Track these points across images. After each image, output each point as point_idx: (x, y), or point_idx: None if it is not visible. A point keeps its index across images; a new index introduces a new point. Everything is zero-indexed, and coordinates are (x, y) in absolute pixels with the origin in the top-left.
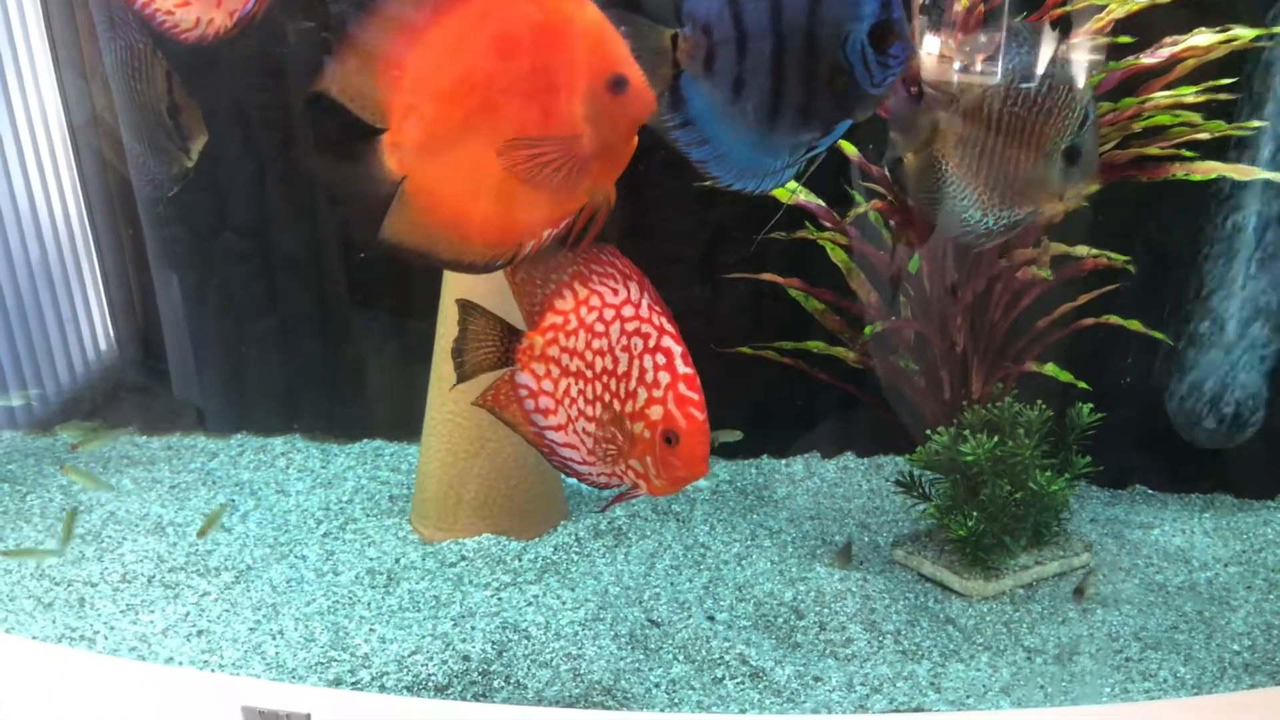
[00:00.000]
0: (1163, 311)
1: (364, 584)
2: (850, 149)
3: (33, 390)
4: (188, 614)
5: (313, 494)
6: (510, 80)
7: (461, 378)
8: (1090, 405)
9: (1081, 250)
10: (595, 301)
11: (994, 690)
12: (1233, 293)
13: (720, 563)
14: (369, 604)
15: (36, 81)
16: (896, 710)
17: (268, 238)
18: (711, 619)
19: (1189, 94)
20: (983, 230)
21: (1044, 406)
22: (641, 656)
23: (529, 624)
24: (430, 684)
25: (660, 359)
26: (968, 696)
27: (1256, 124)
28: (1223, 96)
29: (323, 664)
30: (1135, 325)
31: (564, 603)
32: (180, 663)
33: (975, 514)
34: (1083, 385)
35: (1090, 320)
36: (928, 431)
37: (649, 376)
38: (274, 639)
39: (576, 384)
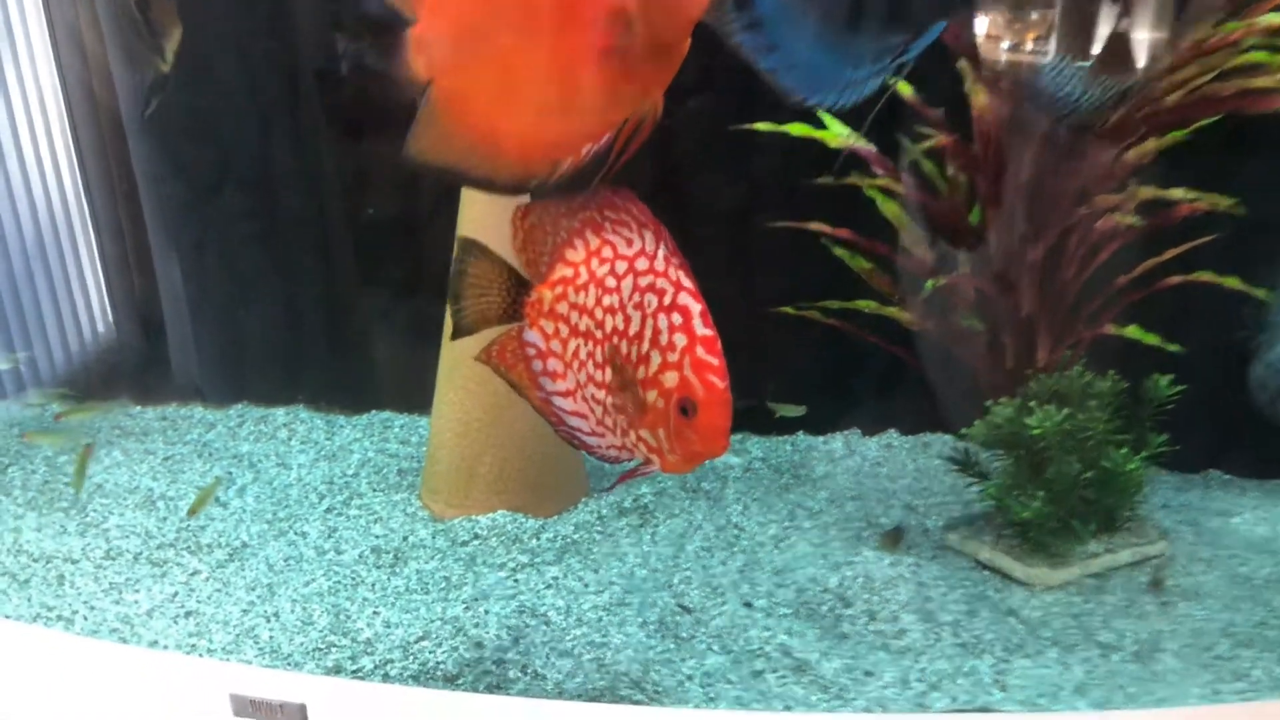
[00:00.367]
0: (1256, 270)
1: (368, 563)
2: (905, 88)
3: (21, 353)
4: (175, 594)
5: (316, 467)
6: None
7: (461, 330)
8: (1170, 376)
9: (1177, 194)
10: (607, 253)
11: (1067, 690)
12: None
13: (756, 545)
14: (373, 585)
15: (32, 55)
16: (960, 710)
17: (269, 191)
18: (749, 606)
19: None
20: (1090, 102)
21: (1116, 377)
22: (672, 646)
23: (548, 608)
24: (439, 673)
25: (676, 318)
26: (1039, 696)
27: None
28: None
29: (321, 650)
30: (1233, 283)
31: (586, 586)
32: (165, 646)
33: (1040, 494)
34: (1174, 348)
35: (1178, 278)
36: (988, 403)
37: (663, 338)
38: (268, 622)
39: (586, 345)
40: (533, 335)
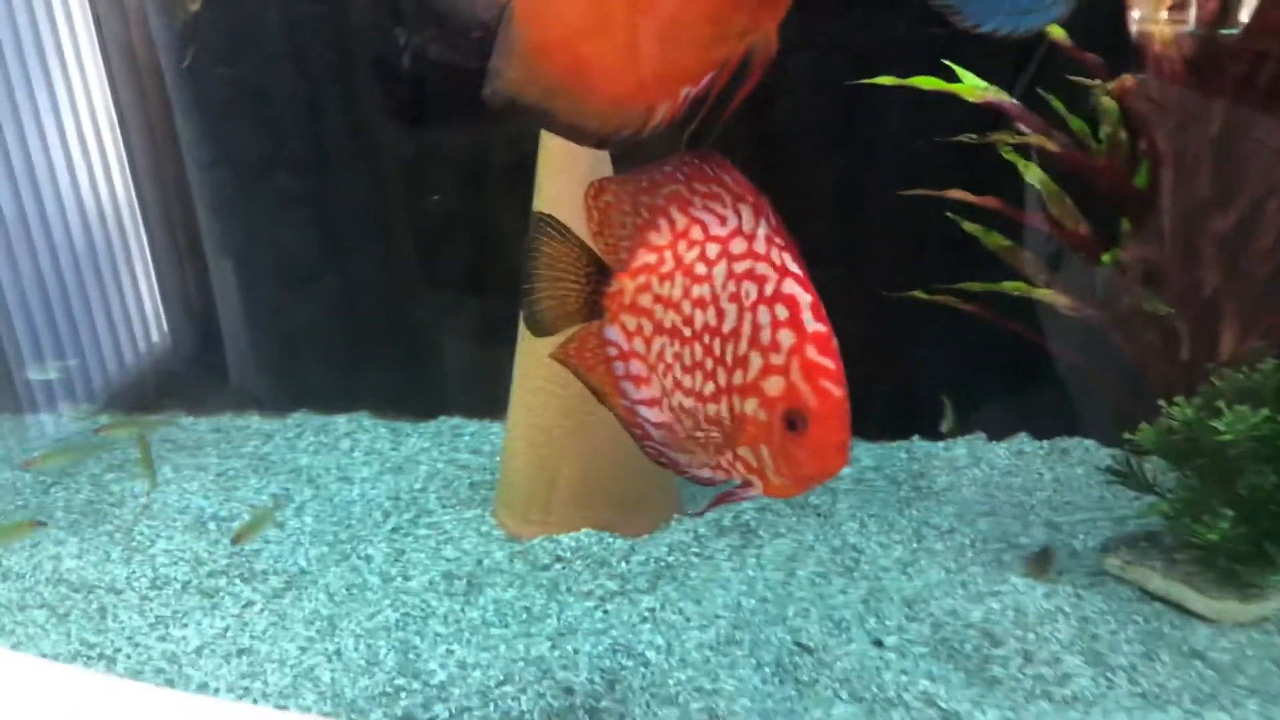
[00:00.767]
0: None
1: (439, 591)
2: (1059, 32)
3: (70, 360)
4: (227, 628)
5: (380, 481)
6: None
7: (536, 324)
8: None
9: None
10: (697, 234)
11: None
12: None
13: (879, 570)
14: (445, 617)
15: (81, 67)
16: None
17: (327, 177)
18: (879, 644)
19: None
20: None
21: None
22: (793, 693)
23: (645, 646)
24: None
25: (781, 312)
26: None
27: None
28: None
29: (389, 695)
30: None
31: (688, 619)
32: (216, 689)
33: (1229, 513)
34: None
35: None
36: (1161, 403)
37: (765, 336)
38: (330, 661)
39: (672, 345)
40: (614, 333)
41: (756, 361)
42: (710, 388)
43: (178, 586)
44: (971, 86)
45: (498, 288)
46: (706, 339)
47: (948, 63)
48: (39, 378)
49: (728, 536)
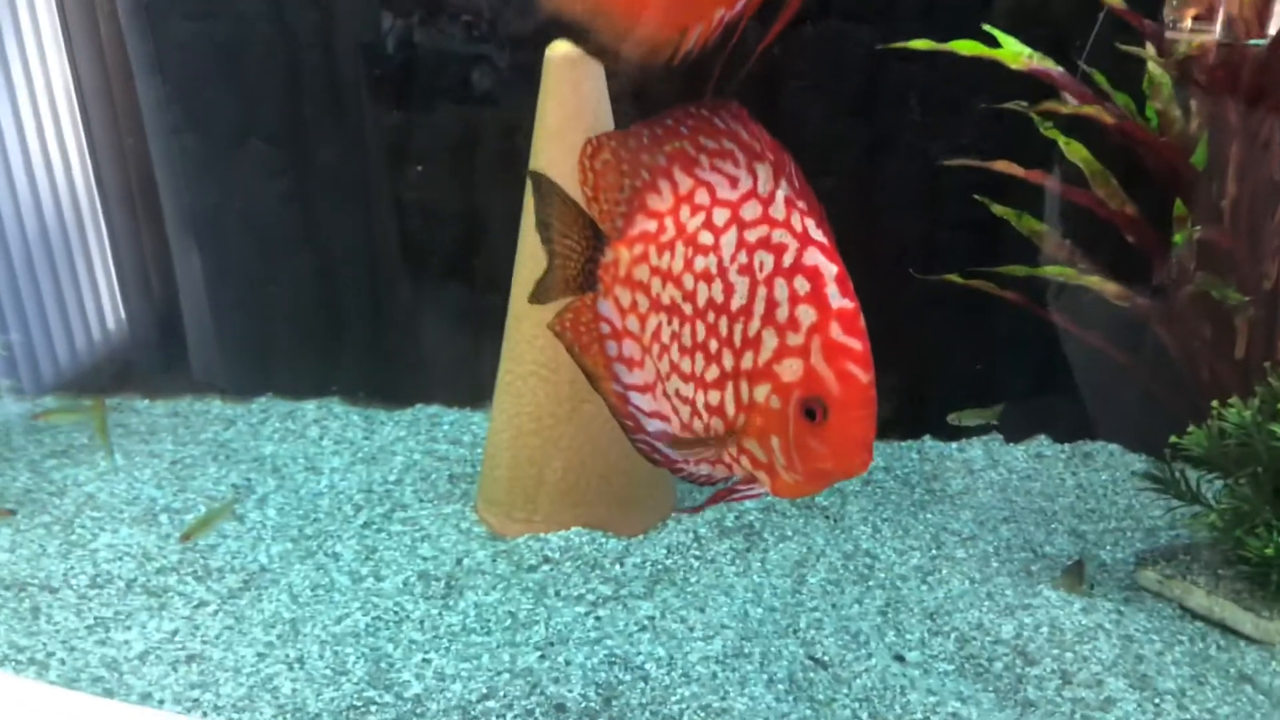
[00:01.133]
0: None
1: (415, 593)
2: None
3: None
4: (176, 632)
5: (351, 472)
6: None
7: (538, 294)
8: None
9: None
10: (702, 197)
11: None
12: None
13: (897, 579)
14: (421, 622)
15: (40, 46)
16: None
17: (297, 146)
18: (900, 659)
19: None
20: None
21: None
22: (809, 712)
23: (644, 658)
24: None
25: (802, 285)
26: None
27: None
28: None
29: (357, 708)
30: None
31: (691, 629)
32: (160, 700)
33: None
34: None
35: None
36: (1214, 405)
37: (782, 312)
38: (291, 669)
39: (670, 323)
40: (606, 308)
41: (771, 342)
42: (714, 372)
43: (121, 585)
44: (1013, 53)
45: (482, 267)
46: (711, 317)
47: (988, 28)
48: None
49: (730, 538)
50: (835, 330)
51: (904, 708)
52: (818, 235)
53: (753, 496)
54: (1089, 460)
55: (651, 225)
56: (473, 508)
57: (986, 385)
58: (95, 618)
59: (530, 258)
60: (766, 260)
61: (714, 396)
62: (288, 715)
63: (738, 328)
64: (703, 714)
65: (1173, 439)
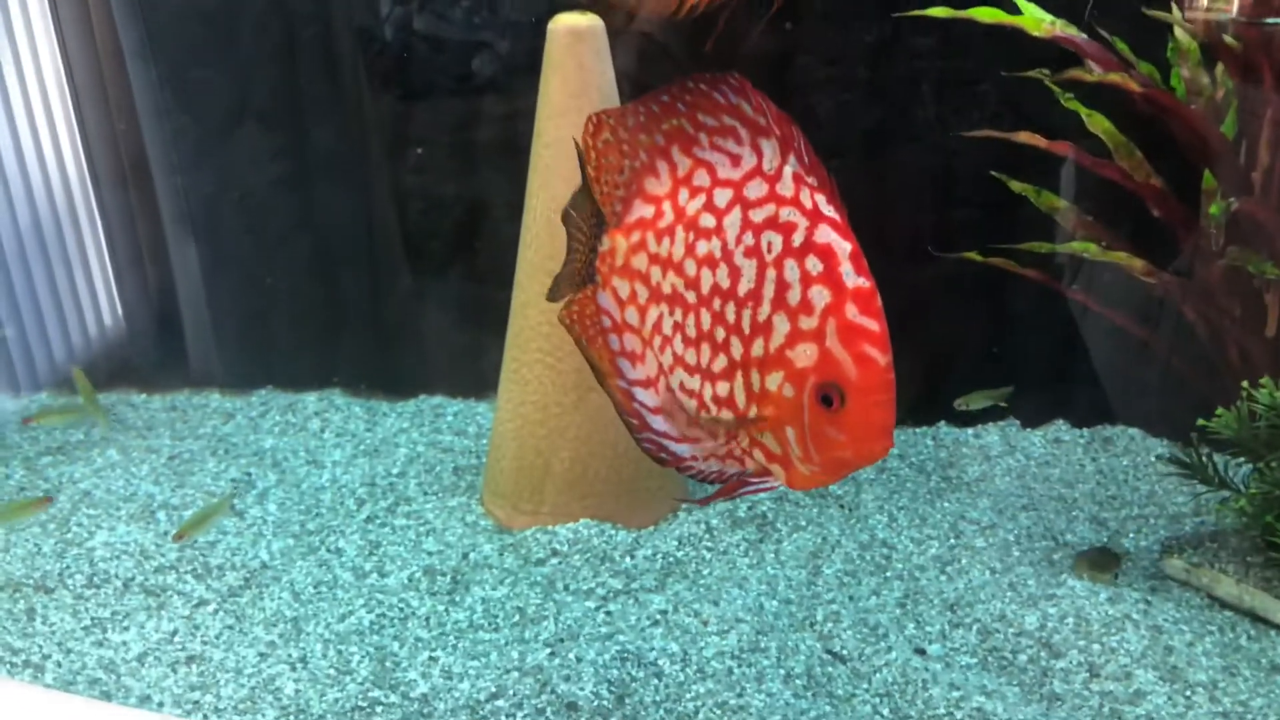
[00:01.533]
0: None
1: (420, 589)
2: None
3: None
4: (175, 632)
5: (354, 465)
6: None
7: (554, 289)
8: None
9: None
10: (702, 178)
11: None
12: None
13: (915, 569)
14: (427, 619)
15: (32, 37)
16: None
17: (299, 130)
18: (921, 653)
19: None
20: None
21: None
22: (828, 708)
23: (657, 654)
24: None
25: (814, 265)
26: None
27: None
28: None
29: (362, 709)
30: None
31: (705, 623)
32: (160, 703)
33: None
34: None
35: None
36: (1244, 385)
37: (793, 295)
38: (294, 669)
39: (672, 314)
40: (606, 300)
41: (782, 326)
42: (721, 362)
43: (119, 584)
44: (1035, 20)
45: (485, 255)
46: (717, 304)
47: None
48: None
49: (743, 529)
50: (851, 311)
51: (926, 703)
52: (829, 211)
53: (766, 489)
54: (1109, 445)
55: (648, 211)
56: (478, 500)
57: (1002, 368)
58: (92, 618)
59: (535, 242)
60: (775, 240)
61: (722, 388)
62: (290, 717)
63: (746, 313)
64: (719, 711)
65: (1200, 421)
